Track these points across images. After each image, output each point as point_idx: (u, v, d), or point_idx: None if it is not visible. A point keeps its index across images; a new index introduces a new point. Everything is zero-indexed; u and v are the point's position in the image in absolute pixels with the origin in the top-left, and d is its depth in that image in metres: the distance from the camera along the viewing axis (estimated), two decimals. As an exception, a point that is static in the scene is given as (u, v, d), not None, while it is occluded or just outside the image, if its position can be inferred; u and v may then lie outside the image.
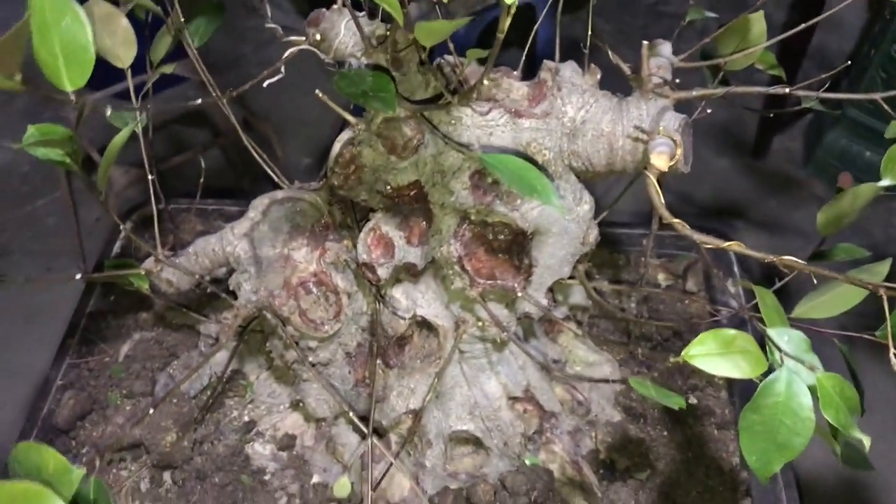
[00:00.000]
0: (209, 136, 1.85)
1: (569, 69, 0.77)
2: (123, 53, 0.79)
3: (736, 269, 1.16)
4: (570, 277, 0.86)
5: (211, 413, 1.00)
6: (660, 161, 0.67)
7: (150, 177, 0.85)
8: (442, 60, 0.76)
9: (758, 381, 0.56)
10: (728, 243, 0.60)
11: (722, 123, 1.97)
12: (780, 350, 0.58)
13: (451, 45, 0.69)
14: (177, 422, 0.97)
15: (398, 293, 0.85)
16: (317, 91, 0.68)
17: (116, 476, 0.96)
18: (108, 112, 0.76)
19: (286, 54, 0.76)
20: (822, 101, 0.84)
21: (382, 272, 0.79)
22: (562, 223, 0.78)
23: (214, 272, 0.92)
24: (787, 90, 0.74)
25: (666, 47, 0.80)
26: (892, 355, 0.54)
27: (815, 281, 0.63)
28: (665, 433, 0.99)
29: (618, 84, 0.77)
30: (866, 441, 0.56)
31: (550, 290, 0.86)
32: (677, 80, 0.75)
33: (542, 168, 0.73)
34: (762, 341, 0.58)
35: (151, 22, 0.86)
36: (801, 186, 1.84)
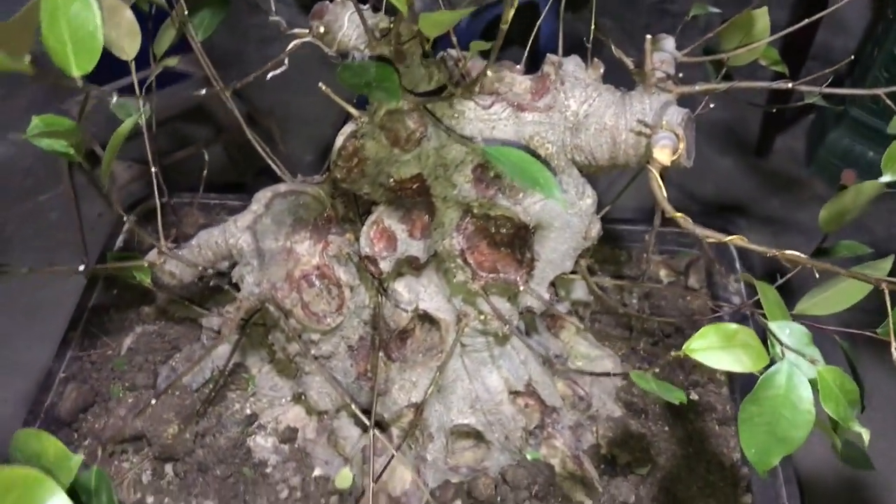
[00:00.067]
0: (211, 132, 1.85)
1: (572, 63, 0.77)
2: (127, 45, 0.80)
3: (738, 266, 1.16)
4: (572, 272, 0.86)
5: (213, 406, 1.00)
6: (662, 155, 0.67)
7: (153, 169, 0.85)
8: (445, 54, 0.76)
9: (759, 374, 0.56)
10: (730, 237, 0.60)
11: (725, 122, 1.97)
12: (781, 343, 0.58)
13: (454, 39, 0.69)
14: (179, 414, 0.97)
15: (400, 286, 0.85)
16: (320, 84, 0.68)
17: (118, 468, 0.96)
18: (114, 99, 0.76)
19: (290, 46, 0.76)
20: (825, 98, 0.84)
21: (385, 265, 0.79)
22: (564, 217, 0.78)
23: (217, 265, 0.92)
24: (790, 85, 0.75)
25: (669, 42, 0.80)
26: (893, 350, 0.54)
27: (817, 275, 0.63)
28: (666, 429, 1.00)
29: (621, 79, 0.77)
30: (866, 435, 0.56)
31: (552, 284, 0.86)
32: (680, 75, 0.75)
33: (544, 162, 0.73)
34: (764, 337, 0.58)
35: (155, 15, 0.87)
36: (803, 186, 1.84)
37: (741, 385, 1.02)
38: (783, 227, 1.74)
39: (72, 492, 0.46)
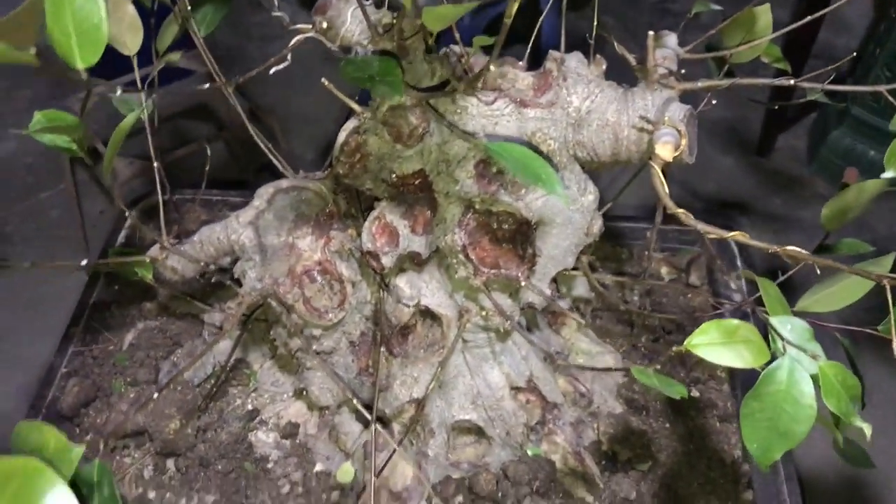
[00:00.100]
0: (213, 130, 1.85)
1: (574, 60, 0.77)
2: (130, 40, 0.80)
3: (739, 263, 1.16)
4: (574, 269, 0.86)
5: (214, 401, 1.01)
6: (664, 151, 0.67)
7: (155, 163, 0.86)
8: (448, 50, 0.76)
9: (760, 370, 0.56)
10: (732, 233, 0.60)
11: (727, 122, 1.98)
12: (782, 339, 0.58)
13: (457, 36, 0.69)
14: (180, 409, 0.97)
15: (402, 282, 0.85)
16: (323, 79, 0.68)
17: (120, 463, 0.97)
18: (118, 92, 0.76)
19: (293, 42, 0.76)
20: (827, 95, 0.84)
21: (387, 260, 0.79)
22: (566, 213, 0.78)
23: (219, 260, 0.93)
24: (793, 81, 0.75)
25: (671, 39, 0.80)
26: (895, 346, 0.54)
27: (818, 271, 0.63)
28: (667, 425, 1.00)
29: (623, 77, 0.77)
30: (867, 430, 0.56)
31: (554, 280, 0.86)
32: (682, 71, 0.76)
33: (546, 158, 0.74)
34: (765, 334, 0.58)
35: (157, 11, 0.87)
36: (804, 185, 1.85)
37: (742, 382, 1.02)
38: (784, 226, 1.74)
39: (73, 485, 0.46)
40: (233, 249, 0.89)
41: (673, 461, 0.96)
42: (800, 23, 0.77)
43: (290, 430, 0.98)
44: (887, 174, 0.70)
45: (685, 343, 0.55)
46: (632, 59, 0.75)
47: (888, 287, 0.54)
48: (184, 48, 0.87)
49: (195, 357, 0.93)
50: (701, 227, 0.62)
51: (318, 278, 0.87)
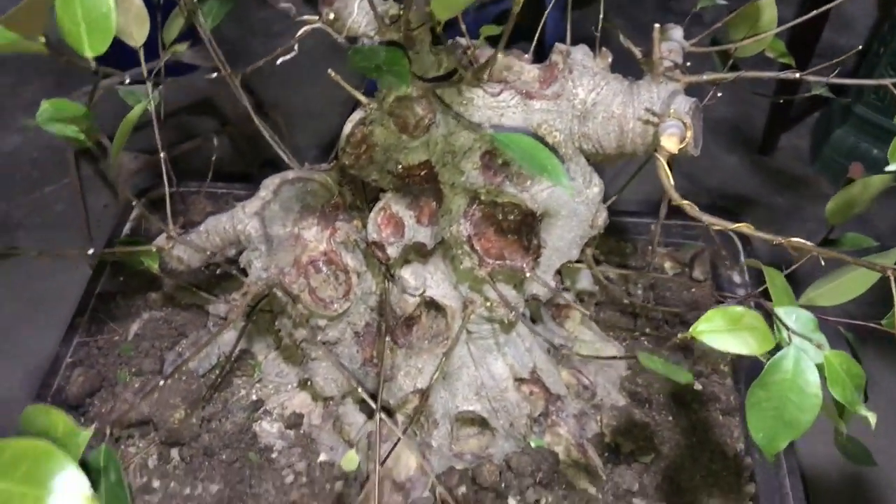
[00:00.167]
0: (218, 125, 1.86)
1: (580, 52, 0.77)
2: (136, 32, 0.80)
3: (743, 258, 1.16)
4: (578, 261, 0.86)
5: (219, 391, 1.01)
6: (670, 143, 0.67)
7: (161, 154, 0.86)
8: (454, 42, 0.76)
9: (764, 360, 0.56)
10: (736, 224, 0.60)
11: (730, 120, 1.98)
12: (787, 328, 0.58)
13: (463, 27, 0.69)
14: (185, 399, 0.98)
15: (407, 273, 0.85)
16: (329, 70, 0.69)
17: (125, 452, 0.97)
18: (126, 81, 0.76)
19: (300, 33, 0.76)
20: (831, 91, 0.85)
21: (392, 251, 0.79)
22: (571, 205, 0.79)
23: (225, 250, 0.93)
24: (798, 75, 0.75)
25: (677, 32, 0.80)
26: (898, 337, 0.55)
27: (822, 263, 0.63)
28: (670, 418, 1.00)
29: (628, 70, 0.77)
30: (872, 418, 0.56)
31: (558, 272, 0.86)
32: (688, 64, 0.76)
33: (552, 149, 0.74)
34: (770, 326, 0.58)
35: (164, 4, 0.87)
36: (808, 184, 1.85)
37: (745, 375, 1.02)
38: (787, 224, 1.74)
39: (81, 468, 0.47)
40: (239, 239, 0.90)
41: (676, 454, 0.96)
42: (805, 17, 0.77)
43: (295, 421, 0.99)
44: (891, 167, 0.70)
45: (690, 330, 0.55)
46: (637, 52, 0.76)
47: (893, 279, 0.54)
48: (190, 45, 0.88)
49: (200, 347, 0.94)
50: (706, 218, 0.62)
51: (324, 269, 0.87)
